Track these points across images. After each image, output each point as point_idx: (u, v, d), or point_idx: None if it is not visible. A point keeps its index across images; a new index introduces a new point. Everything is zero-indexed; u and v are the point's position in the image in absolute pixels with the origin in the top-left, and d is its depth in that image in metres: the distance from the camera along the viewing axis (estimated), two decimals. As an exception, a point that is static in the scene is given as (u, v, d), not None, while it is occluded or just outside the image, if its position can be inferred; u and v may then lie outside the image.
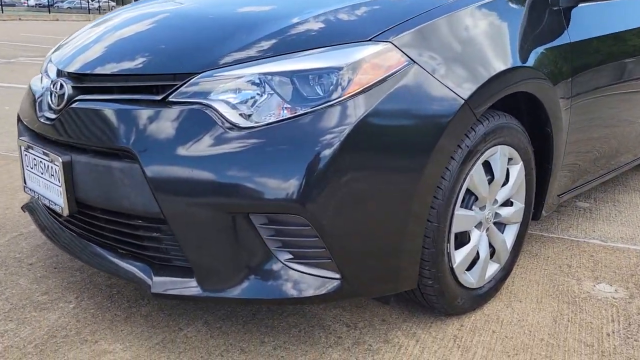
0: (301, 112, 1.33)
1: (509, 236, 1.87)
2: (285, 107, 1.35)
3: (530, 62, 1.70)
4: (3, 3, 52.67)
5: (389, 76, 1.37)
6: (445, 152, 1.45)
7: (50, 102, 1.60)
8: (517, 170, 1.78)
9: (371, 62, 1.37)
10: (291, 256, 1.39)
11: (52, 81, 1.64)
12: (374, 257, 1.43)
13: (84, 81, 1.56)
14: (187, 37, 1.55)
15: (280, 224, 1.35)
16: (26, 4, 52.00)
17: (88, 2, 40.92)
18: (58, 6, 50.96)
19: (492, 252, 1.82)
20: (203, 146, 1.33)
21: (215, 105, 1.36)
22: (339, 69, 1.36)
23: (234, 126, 1.33)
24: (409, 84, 1.39)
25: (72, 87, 1.55)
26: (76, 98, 1.53)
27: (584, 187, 2.34)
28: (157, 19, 1.73)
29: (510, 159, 1.76)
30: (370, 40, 1.41)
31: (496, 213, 1.78)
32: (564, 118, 1.90)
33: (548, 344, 1.62)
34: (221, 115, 1.34)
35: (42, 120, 1.61)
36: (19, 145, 1.70)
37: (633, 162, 2.72)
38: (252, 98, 1.36)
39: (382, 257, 1.45)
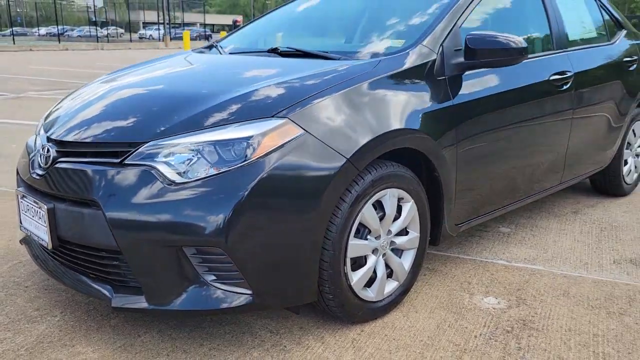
0: (222, 170, 1.82)
1: (407, 259, 2.33)
2: (211, 167, 1.83)
3: (411, 124, 2.18)
4: (15, 33, 54.11)
5: (287, 142, 1.86)
6: (333, 197, 1.93)
7: (40, 162, 2.10)
8: (408, 207, 2.25)
9: (272, 133, 1.86)
10: (215, 277, 1.86)
11: (42, 145, 2.14)
12: (278, 278, 1.90)
13: (64, 146, 2.05)
14: (141, 112, 2.05)
15: (205, 254, 1.83)
16: (37, 34, 53.22)
17: (97, 30, 42.03)
18: (68, 35, 52.16)
19: (391, 272, 2.28)
20: (148, 197, 1.81)
21: (158, 166, 1.84)
22: (250, 138, 1.85)
23: (172, 182, 1.82)
24: (303, 147, 1.88)
25: (56, 150, 2.05)
26: (59, 159, 2.03)
27: (486, 216, 2.79)
28: (122, 95, 2.24)
29: (401, 198, 2.23)
30: (272, 116, 1.90)
31: (392, 241, 2.25)
32: (451, 164, 2.37)
33: (425, 344, 2.07)
34: (162, 174, 1.83)
35: (33, 176, 2.11)
36: (16, 194, 2.20)
37: (539, 194, 3.17)
38: (186, 161, 1.85)
39: (286, 277, 1.91)
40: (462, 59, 2.43)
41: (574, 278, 2.66)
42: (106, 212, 1.83)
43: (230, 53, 2.92)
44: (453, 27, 2.47)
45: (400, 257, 2.31)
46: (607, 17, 3.76)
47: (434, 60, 2.36)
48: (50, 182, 2.01)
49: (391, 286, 2.29)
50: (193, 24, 75.27)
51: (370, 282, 2.19)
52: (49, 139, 2.14)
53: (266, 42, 3.08)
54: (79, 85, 2.60)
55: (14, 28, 60.76)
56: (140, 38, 52.24)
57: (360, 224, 2.08)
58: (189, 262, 1.83)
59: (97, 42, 37.11)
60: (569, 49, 3.17)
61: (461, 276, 2.66)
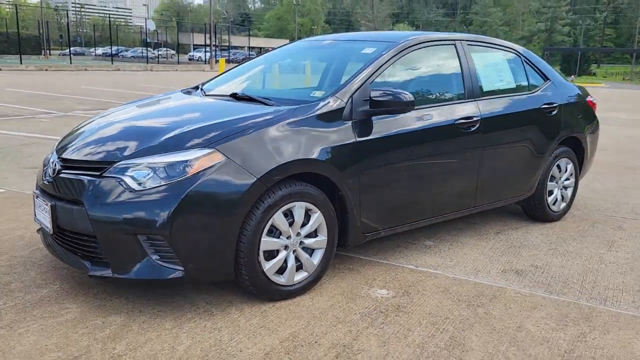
0: (167, 182, 2.64)
1: (316, 256, 3.09)
2: (160, 179, 2.66)
3: (316, 155, 2.95)
4: (74, 52, 57.21)
5: (213, 165, 2.67)
6: (247, 205, 2.71)
7: (49, 172, 2.98)
8: (315, 217, 3.01)
9: (203, 158, 2.68)
10: (159, 257, 2.67)
11: (52, 160, 3.03)
12: (203, 261, 2.69)
13: (66, 162, 2.93)
14: (119, 140, 2.91)
15: (153, 240, 2.65)
16: (94, 53, 56.13)
17: (147, 52, 44.26)
18: (122, 55, 54.86)
19: (301, 265, 3.04)
20: (116, 199, 2.65)
21: (125, 178, 2.68)
22: (187, 161, 2.67)
23: (133, 190, 2.65)
24: (224, 169, 2.68)
25: (60, 165, 2.93)
26: (61, 171, 2.90)
27: (395, 230, 3.52)
28: (110, 127, 3.12)
29: (310, 209, 3.00)
30: (205, 147, 2.72)
31: (301, 242, 3.01)
32: (354, 188, 3.12)
33: (314, 316, 2.82)
34: (127, 184, 2.67)
35: (44, 182, 2.99)
36: (33, 194, 3.09)
37: (452, 215, 3.88)
38: (145, 175, 2.69)
39: (209, 260, 2.71)
40: (367, 107, 3.21)
41: (460, 280, 3.36)
42: (87, 209, 2.68)
43: (205, 95, 3.78)
44: (363, 84, 3.25)
45: (310, 255, 3.07)
46: (531, 71, 4.45)
47: (343, 108, 3.14)
48: (55, 187, 2.88)
49: (301, 276, 3.05)
50: (241, 47, 77.78)
51: (282, 271, 2.96)
52: (58, 157, 3.02)
53: (237, 86, 3.91)
54: (118, 105, 3.27)
55: (74, 48, 64.41)
56: (190, 59, 54.58)
57: (273, 226, 2.87)
58: (141, 245, 2.65)
59: (147, 63, 39.19)
60: (480, 98, 3.88)
61: (370, 275, 3.40)
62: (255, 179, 2.73)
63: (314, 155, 2.96)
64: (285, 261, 2.96)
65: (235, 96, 3.50)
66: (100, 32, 69.80)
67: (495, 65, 4.29)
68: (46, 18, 62.70)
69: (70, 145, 3.07)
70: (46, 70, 28.63)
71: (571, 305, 3.10)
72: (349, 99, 3.18)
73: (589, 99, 4.91)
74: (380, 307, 2.96)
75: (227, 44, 65.03)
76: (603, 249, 4.05)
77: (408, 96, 3.16)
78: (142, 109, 3.54)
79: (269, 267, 2.89)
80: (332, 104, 3.14)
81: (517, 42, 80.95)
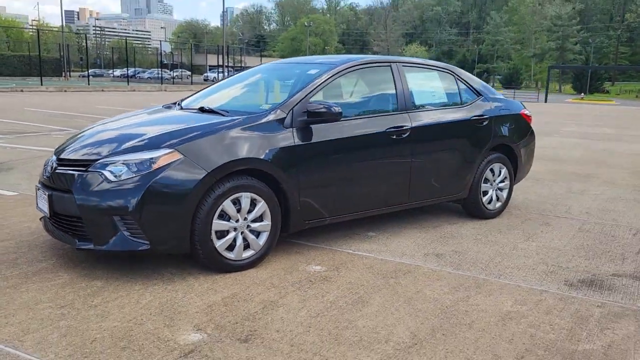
0: (137, 175, 3.40)
1: (262, 238, 3.81)
2: (132, 172, 3.42)
3: (259, 155, 3.68)
4: (94, 74, 58.79)
5: (173, 162, 3.42)
6: (199, 193, 3.45)
7: (48, 169, 3.76)
8: (259, 205, 3.74)
9: (165, 156, 3.43)
10: (129, 233, 3.41)
11: (51, 160, 3.81)
12: (164, 236, 3.43)
13: (61, 161, 3.71)
14: (103, 143, 3.69)
15: (124, 219, 3.39)
16: (112, 75, 57.75)
17: (161, 72, 45.60)
18: (140, 76, 56.39)
19: (248, 245, 3.76)
20: (97, 189, 3.41)
21: (105, 172, 3.44)
22: (152, 158, 3.43)
23: (110, 181, 3.41)
24: (182, 165, 3.43)
25: (56, 163, 3.71)
26: (57, 168, 3.68)
27: (333, 219, 4.23)
28: (100, 133, 3.90)
29: (255, 199, 3.73)
30: (166, 147, 3.48)
31: (248, 225, 3.74)
32: (294, 182, 3.85)
33: (254, 282, 3.53)
34: (106, 176, 3.42)
35: (44, 176, 3.76)
36: (36, 187, 3.87)
37: (389, 209, 4.58)
38: (120, 169, 3.44)
39: (169, 236, 3.44)
40: (305, 117, 3.95)
41: (385, 261, 4.05)
42: (75, 196, 3.44)
43: (181, 108, 4.55)
44: (303, 98, 3.99)
45: (257, 236, 3.80)
46: (464, 88, 5.16)
47: (284, 118, 3.89)
48: (52, 180, 3.66)
49: (248, 253, 3.77)
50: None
51: (232, 248, 3.69)
52: (56, 157, 3.81)
53: (206, 101, 4.67)
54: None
55: (93, 69, 66.26)
56: (205, 80, 56.02)
57: (223, 211, 3.60)
58: (115, 224, 3.40)
59: (162, 84, 40.50)
60: (411, 111, 4.60)
61: (312, 256, 4.11)
62: (206, 172, 3.47)
63: (257, 155, 3.70)
64: (235, 240, 3.69)
65: (201, 109, 4.27)
66: (118, 54, 71.79)
67: (428, 83, 5.02)
68: (68, 41, 64.86)
69: (65, 148, 3.85)
70: (65, 91, 29.88)
71: (470, 278, 3.77)
72: (289, 111, 3.93)
73: (523, 112, 5.61)
74: (310, 278, 3.67)
75: (240, 65, 66.47)
76: (521, 239, 4.71)
77: (337, 108, 3.90)
78: (126, 119, 4.32)
79: (219, 244, 3.61)
80: (276, 114, 3.89)
81: (528, 60, 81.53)
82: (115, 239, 3.43)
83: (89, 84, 34.09)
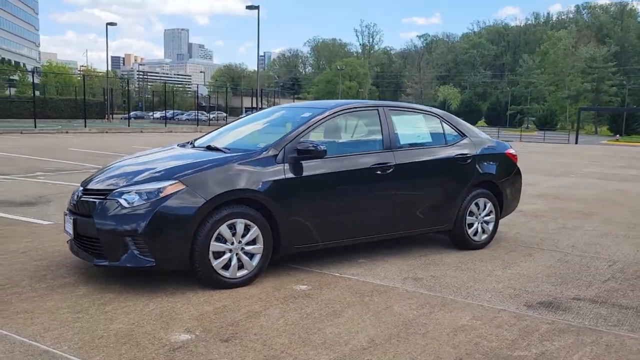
0: (147, 202, 4.01)
1: (255, 259, 4.34)
2: (143, 200, 4.03)
3: (253, 186, 4.26)
4: (136, 116, 61.16)
5: (177, 191, 4.03)
6: (198, 219, 4.03)
7: (75, 198, 4.41)
8: (252, 230, 4.29)
9: (170, 186, 4.05)
10: (139, 252, 4.01)
11: (77, 190, 4.46)
12: (168, 256, 4.01)
13: (86, 191, 4.36)
14: (120, 176, 4.33)
15: (134, 240, 3.99)
16: (152, 117, 59.96)
17: (198, 115, 47.29)
18: (178, 118, 58.43)
19: (242, 265, 4.30)
20: (113, 214, 4.03)
21: (120, 200, 4.07)
22: (160, 188, 4.04)
23: (124, 207, 4.03)
24: (184, 194, 4.03)
25: (82, 193, 4.36)
26: (82, 197, 4.32)
27: (323, 245, 4.74)
28: (119, 167, 4.56)
29: (249, 224, 4.28)
30: (172, 179, 4.09)
31: (243, 247, 4.29)
32: (284, 212, 4.40)
33: (245, 297, 4.05)
34: (121, 203, 4.05)
35: (71, 204, 4.42)
36: (64, 213, 4.52)
37: (377, 237, 5.06)
38: (133, 198, 4.06)
39: (172, 256, 4.02)
40: (296, 155, 4.52)
41: (366, 282, 4.52)
42: (95, 220, 4.07)
43: (192, 147, 5.19)
44: (294, 138, 4.58)
45: (251, 258, 4.34)
46: (449, 130, 5.67)
47: (277, 155, 4.47)
48: (77, 207, 4.31)
49: (242, 272, 4.30)
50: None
51: (227, 267, 4.23)
52: (82, 188, 4.47)
53: (214, 140, 5.30)
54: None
55: (135, 112, 69.00)
56: (240, 122, 57.61)
57: (220, 234, 4.16)
58: (127, 244, 4.00)
59: (197, 125, 42.05)
60: (396, 150, 5.12)
61: (301, 277, 4.61)
62: (205, 200, 4.06)
63: (250, 186, 4.28)
64: (230, 260, 4.24)
65: (208, 147, 4.91)
66: (159, 97, 74.74)
67: (413, 124, 5.56)
68: (112, 86, 67.89)
69: (90, 180, 4.52)
70: (106, 132, 31.43)
71: (439, 298, 4.21)
72: (282, 149, 4.51)
73: (508, 151, 6.07)
74: (295, 294, 4.17)
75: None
76: (499, 268, 5.12)
77: (322, 147, 4.48)
78: (144, 156, 4.98)
79: (216, 263, 4.16)
80: (269, 152, 4.48)
81: (563, 101, 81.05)
82: (126, 256, 4.02)
83: (128, 126, 35.70)
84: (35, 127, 30.15)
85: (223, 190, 4.15)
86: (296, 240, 4.56)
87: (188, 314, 3.71)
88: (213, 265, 4.14)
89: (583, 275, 4.94)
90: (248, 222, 4.27)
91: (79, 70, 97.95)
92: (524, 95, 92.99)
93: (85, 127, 31.79)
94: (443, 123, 5.69)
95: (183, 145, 5.41)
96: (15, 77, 65.95)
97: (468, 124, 6.00)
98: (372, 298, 4.15)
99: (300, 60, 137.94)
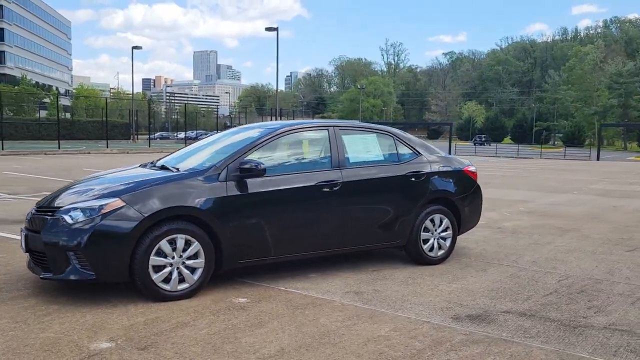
0: (88, 219, 4.26)
1: (197, 273, 4.55)
2: (85, 217, 4.29)
3: (193, 204, 4.48)
4: (161, 136, 62.29)
5: (116, 208, 4.28)
6: (137, 234, 4.26)
7: (29, 216, 4.70)
8: (193, 245, 4.50)
9: (111, 203, 4.30)
10: (80, 265, 4.25)
11: (32, 209, 4.76)
12: (107, 269, 4.24)
13: (38, 209, 4.64)
14: (72, 193, 4.61)
15: (75, 254, 4.24)
16: (176, 137, 61.05)
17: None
18: (201, 138, 59.39)
19: (183, 278, 4.51)
20: (57, 230, 4.29)
21: (65, 216, 4.33)
22: (102, 205, 4.30)
23: (69, 223, 4.29)
24: (123, 210, 4.28)
25: (35, 210, 4.65)
26: (35, 214, 4.61)
27: (266, 260, 4.92)
28: (74, 186, 4.84)
29: (189, 240, 4.50)
30: (114, 196, 4.35)
31: (184, 262, 4.50)
32: (224, 228, 4.60)
33: (181, 309, 4.25)
34: (65, 220, 4.29)
35: (26, 220, 4.71)
36: (20, 229, 4.82)
37: (323, 252, 5.22)
38: (77, 215, 4.32)
39: (111, 269, 4.25)
40: (238, 173, 4.74)
41: (306, 296, 4.67)
42: (41, 235, 4.34)
43: (150, 167, 5.45)
44: (237, 158, 4.80)
45: (192, 272, 4.54)
46: (403, 148, 5.82)
47: (219, 173, 4.70)
48: (29, 223, 4.59)
49: (183, 285, 4.51)
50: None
51: (168, 281, 4.45)
52: (35, 207, 4.76)
53: (169, 160, 5.53)
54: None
55: (161, 132, 70.38)
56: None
57: (160, 249, 4.39)
58: (68, 258, 4.26)
59: (218, 145, 42.66)
60: (344, 168, 5.29)
61: (245, 291, 4.78)
62: (143, 217, 4.30)
63: (190, 204, 4.50)
64: (171, 274, 4.45)
65: (161, 167, 5.16)
66: (185, 117, 76.19)
67: (364, 143, 5.73)
68: (140, 107, 69.50)
69: (44, 199, 4.81)
70: (127, 152, 32.27)
71: (369, 310, 4.34)
72: (225, 167, 4.74)
73: (466, 168, 6.18)
74: (230, 307, 4.36)
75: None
76: (445, 282, 5.21)
77: (262, 165, 4.70)
78: (104, 175, 5.26)
79: (156, 277, 4.38)
80: (213, 170, 4.71)
81: (590, 117, 79.78)
82: (69, 270, 4.27)
83: (149, 146, 36.54)
84: (59, 148, 31.14)
85: (161, 207, 4.38)
86: (240, 255, 4.76)
87: (119, 324, 3.92)
88: (153, 278, 4.36)
89: (526, 290, 5.01)
90: (188, 237, 4.49)
91: (109, 93, 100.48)
92: (551, 111, 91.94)
93: (107, 147, 32.67)
94: (397, 141, 5.85)
95: (145, 165, 5.67)
96: (47, 100, 68.09)
97: (426, 143, 6.15)
98: (304, 310, 4.31)
99: (325, 80, 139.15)
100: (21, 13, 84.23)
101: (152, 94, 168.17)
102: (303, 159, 5.41)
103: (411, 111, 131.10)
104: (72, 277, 4.27)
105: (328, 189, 5.14)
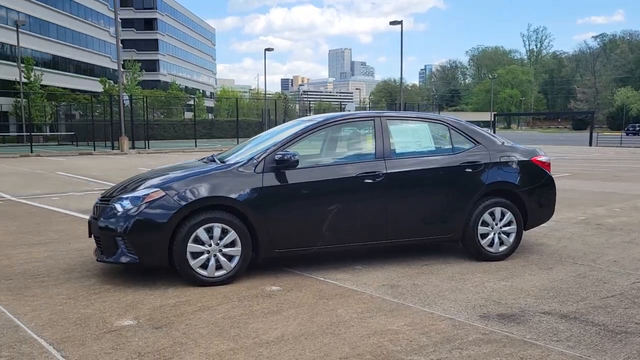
0: (134, 207, 4.64)
1: (234, 260, 4.75)
2: (132, 205, 4.67)
3: (230, 194, 4.68)
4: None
5: (157, 198, 4.61)
6: (175, 222, 4.56)
7: (96, 203, 5.22)
8: (230, 234, 4.71)
9: (152, 193, 4.63)
10: (127, 250, 4.64)
11: (99, 197, 5.27)
12: (149, 253, 4.58)
13: (101, 199, 5.13)
14: (127, 184, 5.04)
15: (122, 239, 4.63)
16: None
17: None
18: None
19: (220, 266, 4.72)
20: (109, 217, 4.72)
21: (116, 205, 4.75)
22: (144, 195, 4.65)
23: (118, 211, 4.70)
24: (163, 199, 4.58)
25: (99, 199, 5.14)
26: (98, 203, 5.10)
27: (305, 251, 4.98)
28: (131, 179, 5.27)
29: (226, 229, 4.70)
30: (156, 187, 4.68)
31: (221, 250, 4.72)
32: (260, 216, 4.75)
33: (213, 294, 4.46)
34: (116, 208, 4.72)
35: (93, 207, 5.23)
36: (89, 216, 5.36)
37: (367, 244, 5.15)
38: (125, 204, 4.71)
39: (153, 253, 4.58)
40: (274, 164, 4.86)
41: (339, 287, 4.66)
42: (98, 222, 4.80)
43: (205, 161, 5.74)
44: (276, 149, 4.91)
45: (229, 260, 4.75)
46: (459, 138, 5.53)
47: (257, 164, 4.85)
48: (93, 211, 5.09)
49: (220, 272, 4.73)
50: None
51: (206, 267, 4.69)
52: (100, 197, 5.26)
53: (224, 154, 5.78)
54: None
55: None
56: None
57: (197, 237, 4.64)
58: (117, 243, 4.66)
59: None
60: (389, 159, 5.18)
61: (282, 280, 4.89)
62: (181, 206, 4.57)
63: (226, 194, 4.70)
64: (208, 260, 4.69)
65: (212, 159, 5.44)
66: (315, 114, 78.32)
67: (414, 134, 5.53)
68: (276, 106, 72.65)
69: (108, 189, 5.30)
70: (256, 149, 33.95)
71: (394, 304, 4.23)
72: (262, 160, 4.88)
73: (535, 158, 5.72)
74: (260, 294, 4.49)
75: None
76: (495, 279, 4.89)
77: (295, 157, 4.77)
78: (161, 169, 5.66)
79: (193, 263, 4.64)
80: (251, 162, 4.87)
81: None
82: (118, 253, 4.68)
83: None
84: (196, 146, 33.66)
85: (197, 197, 4.62)
86: (276, 244, 4.87)
87: (150, 305, 4.23)
88: (191, 264, 4.63)
89: (586, 291, 4.55)
90: (225, 226, 4.69)
91: (248, 94, 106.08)
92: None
93: (238, 144, 34.65)
94: (452, 131, 5.58)
95: (202, 159, 5.99)
96: (191, 103, 73.69)
97: (488, 133, 5.79)
98: (328, 301, 4.31)
99: (459, 71, 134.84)
100: (172, 24, 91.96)
101: (290, 94, 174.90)
102: (345, 150, 5.37)
103: (555, 100, 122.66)
104: (122, 260, 4.67)
105: (371, 180, 5.07)
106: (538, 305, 4.21)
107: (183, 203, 4.58)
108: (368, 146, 5.29)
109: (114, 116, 32.31)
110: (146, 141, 31.65)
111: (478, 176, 5.42)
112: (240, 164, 4.89)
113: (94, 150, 30.10)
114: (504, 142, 5.74)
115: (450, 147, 5.53)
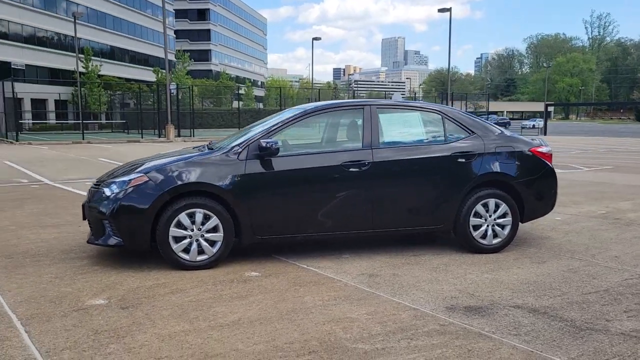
0: (120, 191, 4.79)
1: (216, 246, 4.83)
2: (117, 189, 4.83)
3: (211, 180, 4.75)
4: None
5: (144, 182, 4.73)
6: (157, 206, 4.68)
7: (90, 187, 5.41)
8: (212, 220, 4.79)
9: (136, 177, 4.77)
10: (112, 232, 4.80)
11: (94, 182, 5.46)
12: (132, 236, 4.72)
13: (96, 183, 5.32)
14: (117, 170, 5.20)
15: (107, 221, 4.80)
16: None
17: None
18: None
19: (202, 250, 4.82)
20: (98, 200, 4.90)
21: (104, 189, 4.91)
22: (130, 179, 4.80)
23: (106, 195, 4.87)
24: (147, 184, 4.71)
25: (94, 183, 5.33)
26: (92, 187, 5.29)
27: (286, 237, 5.01)
28: (131, 162, 5.43)
29: (208, 214, 4.79)
30: (140, 173, 4.81)
31: (203, 235, 4.81)
32: (242, 203, 4.81)
33: (191, 278, 4.57)
34: (104, 192, 4.88)
35: (88, 191, 5.43)
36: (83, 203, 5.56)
37: (352, 232, 5.13)
38: (113, 188, 4.88)
39: (135, 236, 4.72)
40: (257, 152, 4.90)
41: (317, 274, 4.68)
42: (89, 205, 4.99)
43: (198, 149, 5.85)
44: (261, 137, 4.95)
45: (212, 245, 4.84)
46: (453, 127, 5.41)
47: (240, 152, 4.90)
48: (88, 195, 5.29)
49: (202, 257, 4.82)
50: (499, 112, 77.83)
51: (187, 251, 4.80)
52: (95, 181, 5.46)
53: (217, 143, 5.85)
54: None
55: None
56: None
57: (179, 222, 4.75)
58: (104, 225, 4.83)
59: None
60: (376, 147, 5.12)
61: (263, 265, 4.94)
62: (163, 191, 4.69)
63: (208, 180, 4.77)
64: (190, 245, 4.80)
65: (208, 146, 5.53)
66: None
67: (405, 123, 5.44)
68: (327, 96, 72.76)
69: (102, 175, 5.49)
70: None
71: (364, 292, 4.21)
72: (246, 147, 4.93)
73: (533, 149, 5.53)
74: (237, 279, 4.56)
75: (484, 110, 65.97)
76: (479, 271, 4.79)
77: (276, 145, 4.81)
78: (157, 155, 5.80)
79: (176, 247, 4.76)
80: (235, 149, 4.93)
81: None
82: (104, 236, 4.85)
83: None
84: (240, 135, 34.11)
85: (179, 183, 4.72)
86: (258, 231, 4.92)
87: (127, 286, 4.37)
88: (173, 248, 4.74)
89: (569, 286, 4.39)
90: (207, 212, 4.78)
91: (298, 83, 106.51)
92: None
93: (282, 134, 34.92)
94: (446, 120, 5.46)
95: (201, 147, 6.10)
96: (241, 92, 74.74)
97: (485, 122, 5.63)
98: (300, 288, 4.34)
99: (516, 60, 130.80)
100: (224, 14, 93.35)
101: (341, 83, 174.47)
102: (332, 138, 5.35)
103: (618, 90, 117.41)
104: (109, 243, 4.83)
105: (356, 169, 5.04)
106: (512, 298, 4.10)
107: (165, 188, 4.69)
108: (356, 135, 5.25)
109: (161, 105, 33.18)
110: (192, 129, 32.37)
111: (471, 166, 5.30)
112: (224, 151, 4.96)
113: (142, 137, 31.03)
114: (501, 133, 5.58)
115: (443, 136, 5.42)
